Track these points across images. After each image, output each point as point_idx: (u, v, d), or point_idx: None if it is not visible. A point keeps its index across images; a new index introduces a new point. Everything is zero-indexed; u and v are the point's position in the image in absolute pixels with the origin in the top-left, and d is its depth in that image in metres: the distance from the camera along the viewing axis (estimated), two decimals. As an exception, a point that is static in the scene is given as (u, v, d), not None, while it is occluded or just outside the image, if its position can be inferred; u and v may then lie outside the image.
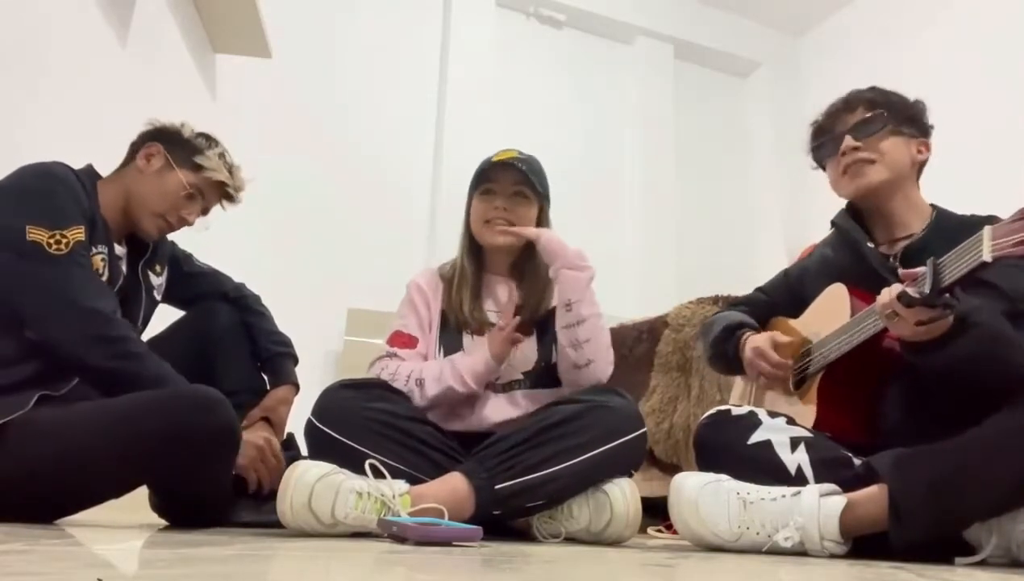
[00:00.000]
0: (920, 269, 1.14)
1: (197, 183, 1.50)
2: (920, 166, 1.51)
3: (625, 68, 4.72)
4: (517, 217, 1.63)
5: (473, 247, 1.70)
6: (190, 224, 1.51)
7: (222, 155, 1.54)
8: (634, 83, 4.67)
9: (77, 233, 1.31)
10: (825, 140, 1.53)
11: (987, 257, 1.04)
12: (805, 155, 1.60)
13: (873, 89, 1.53)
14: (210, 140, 1.56)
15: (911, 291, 1.13)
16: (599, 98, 4.61)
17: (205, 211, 1.55)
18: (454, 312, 1.64)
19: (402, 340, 1.64)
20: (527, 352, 1.63)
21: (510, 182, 1.63)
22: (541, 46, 4.55)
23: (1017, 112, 3.45)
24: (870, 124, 1.47)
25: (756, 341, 1.52)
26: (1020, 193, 1.30)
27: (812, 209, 4.65)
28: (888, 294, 1.19)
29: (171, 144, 1.51)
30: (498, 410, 1.57)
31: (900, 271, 1.19)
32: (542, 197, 1.67)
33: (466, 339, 1.63)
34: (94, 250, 1.37)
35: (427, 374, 1.54)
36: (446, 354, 1.61)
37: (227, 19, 2.92)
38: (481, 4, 4.31)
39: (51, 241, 1.28)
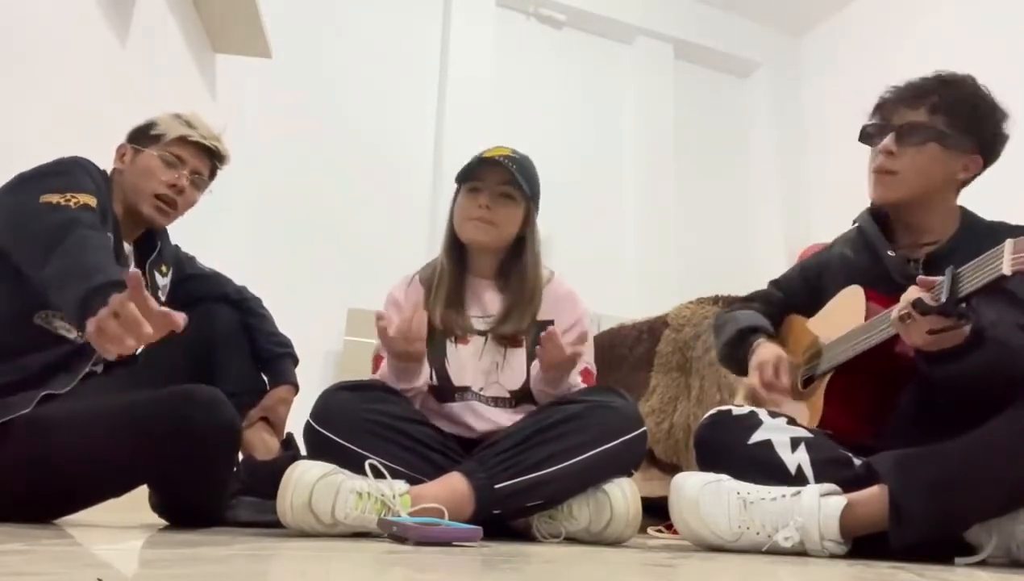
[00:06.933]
0: (938, 278, 1.13)
1: (166, 151, 1.51)
2: (962, 182, 1.42)
3: (625, 68, 4.71)
4: (500, 217, 1.58)
5: (455, 246, 1.65)
6: (183, 190, 1.50)
7: (177, 116, 1.55)
8: (634, 83, 4.67)
9: (88, 198, 1.30)
10: (876, 126, 1.45)
11: (1006, 270, 1.03)
12: (849, 140, 1.49)
13: (950, 86, 1.40)
14: (177, 116, 1.57)
15: (927, 299, 1.12)
16: (599, 98, 4.61)
17: (198, 173, 1.54)
18: (433, 318, 1.55)
19: (381, 364, 1.58)
20: (516, 368, 1.58)
21: (496, 181, 1.58)
22: (541, 46, 4.55)
23: (1018, 111, 3.44)
24: (916, 132, 1.38)
25: (763, 355, 1.46)
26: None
27: (812, 209, 4.66)
28: (905, 300, 1.17)
29: (133, 137, 1.54)
30: (487, 420, 1.55)
31: (918, 278, 1.17)
32: (529, 198, 1.61)
33: (449, 347, 1.58)
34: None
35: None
36: (431, 362, 1.56)
37: (227, 19, 2.92)
38: (481, 4, 4.31)
39: (61, 200, 1.27)
